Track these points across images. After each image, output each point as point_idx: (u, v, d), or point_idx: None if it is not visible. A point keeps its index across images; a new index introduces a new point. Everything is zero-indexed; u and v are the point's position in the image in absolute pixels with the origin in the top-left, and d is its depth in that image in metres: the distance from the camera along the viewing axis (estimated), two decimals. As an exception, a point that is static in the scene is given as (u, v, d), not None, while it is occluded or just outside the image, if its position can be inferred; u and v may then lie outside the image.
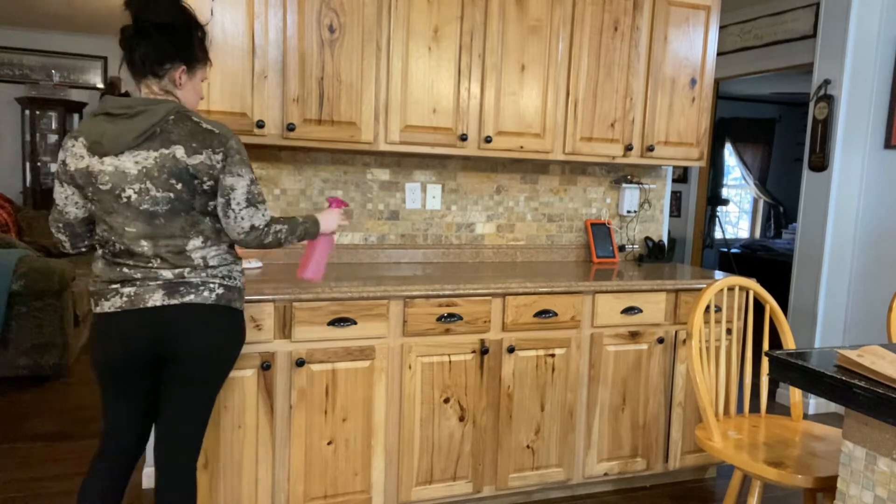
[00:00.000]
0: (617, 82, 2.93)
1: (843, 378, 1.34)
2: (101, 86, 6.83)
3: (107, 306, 1.72)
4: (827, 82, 3.84)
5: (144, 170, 1.66)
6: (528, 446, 2.65)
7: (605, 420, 2.77)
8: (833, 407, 4.01)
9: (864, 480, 1.37)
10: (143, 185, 1.66)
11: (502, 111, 2.75)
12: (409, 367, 2.42)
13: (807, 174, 3.99)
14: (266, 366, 2.23)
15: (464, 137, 2.69)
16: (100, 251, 1.78)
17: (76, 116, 6.72)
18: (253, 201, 1.76)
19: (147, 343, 1.73)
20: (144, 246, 1.70)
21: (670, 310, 2.82)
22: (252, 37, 2.37)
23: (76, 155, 1.70)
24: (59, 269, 3.98)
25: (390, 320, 2.39)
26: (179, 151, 1.66)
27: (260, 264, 2.66)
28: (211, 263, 1.75)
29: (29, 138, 6.49)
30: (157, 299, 1.70)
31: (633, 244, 3.44)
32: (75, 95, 6.70)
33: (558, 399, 2.68)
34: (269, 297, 2.21)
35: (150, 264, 1.71)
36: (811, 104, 3.94)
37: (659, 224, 3.49)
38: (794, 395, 2.18)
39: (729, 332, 2.73)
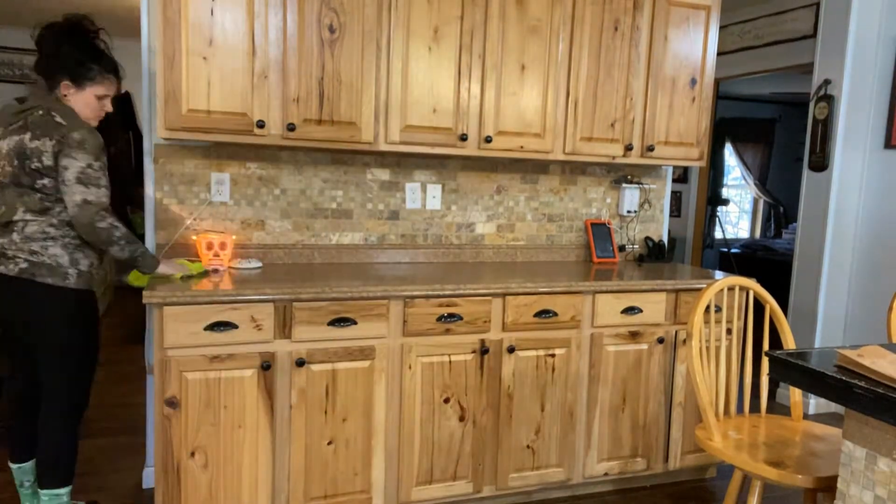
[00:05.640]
0: (617, 82, 2.93)
1: (843, 378, 1.33)
2: (101, 86, 6.83)
3: None
4: (827, 82, 3.84)
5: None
6: (528, 446, 2.65)
7: (605, 420, 2.77)
8: (833, 407, 4.01)
9: (864, 480, 1.37)
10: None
11: (502, 111, 2.75)
12: (409, 367, 2.42)
13: (807, 174, 3.99)
14: (266, 366, 2.23)
15: (464, 137, 2.69)
16: None
17: (76, 116, 6.73)
18: (85, 181, 2.09)
19: None
20: None
21: (670, 310, 2.82)
22: (252, 37, 2.37)
23: None
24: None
25: (390, 320, 2.39)
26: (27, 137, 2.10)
27: (259, 264, 2.66)
28: (27, 235, 2.11)
29: (29, 138, 6.49)
30: None
31: (633, 244, 3.44)
32: (75, 95, 6.70)
33: (558, 399, 2.68)
34: (269, 296, 2.21)
35: None
36: (811, 104, 3.94)
37: (659, 224, 3.49)
38: (794, 395, 2.18)
39: (729, 332, 2.72)
